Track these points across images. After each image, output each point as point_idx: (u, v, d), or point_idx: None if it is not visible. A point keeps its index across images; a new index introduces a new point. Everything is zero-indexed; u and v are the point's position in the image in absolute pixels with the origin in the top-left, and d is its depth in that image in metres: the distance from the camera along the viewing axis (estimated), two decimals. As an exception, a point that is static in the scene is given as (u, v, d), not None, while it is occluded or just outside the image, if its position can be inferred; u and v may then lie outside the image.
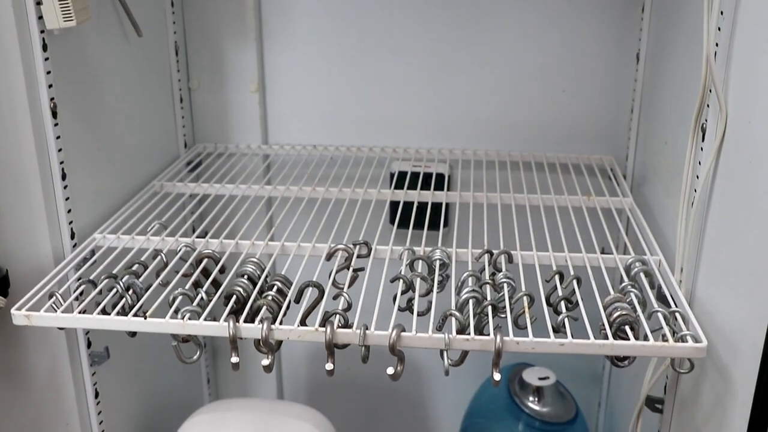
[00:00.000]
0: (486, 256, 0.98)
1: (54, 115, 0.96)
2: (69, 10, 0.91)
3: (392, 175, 1.34)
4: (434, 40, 1.36)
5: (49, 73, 0.94)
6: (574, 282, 0.91)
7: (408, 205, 1.18)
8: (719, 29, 0.82)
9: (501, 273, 0.92)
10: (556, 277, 0.92)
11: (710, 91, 0.84)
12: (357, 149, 1.41)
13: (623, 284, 0.90)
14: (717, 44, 0.82)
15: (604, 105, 1.36)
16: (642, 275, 0.94)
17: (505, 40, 1.35)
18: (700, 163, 0.88)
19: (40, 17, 0.91)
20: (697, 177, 0.88)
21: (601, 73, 1.35)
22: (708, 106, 0.86)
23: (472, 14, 1.34)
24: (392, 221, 1.17)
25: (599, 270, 0.97)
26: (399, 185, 1.27)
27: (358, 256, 0.99)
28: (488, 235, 1.05)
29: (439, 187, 1.27)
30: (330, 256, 0.99)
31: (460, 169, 1.33)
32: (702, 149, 0.88)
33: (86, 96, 1.06)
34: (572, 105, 1.37)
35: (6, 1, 0.88)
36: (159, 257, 1.00)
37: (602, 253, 1.02)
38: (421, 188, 1.23)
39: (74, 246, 1.02)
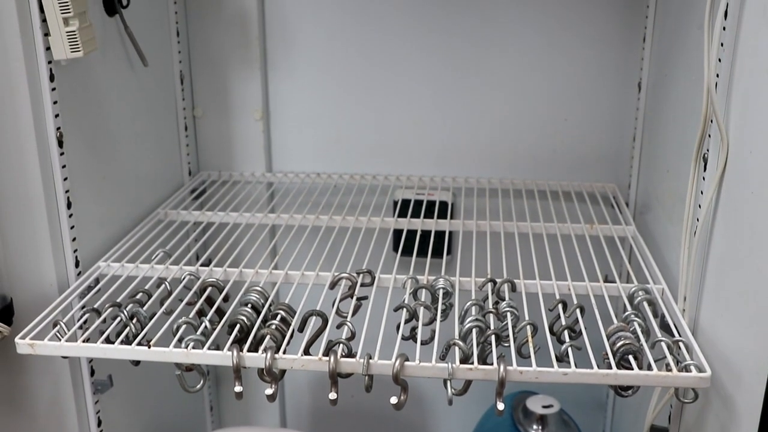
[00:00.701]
0: (489, 285, 0.99)
1: (60, 144, 0.96)
2: (76, 41, 0.92)
3: (395, 203, 1.35)
4: (437, 69, 1.37)
5: (55, 103, 0.95)
6: (578, 311, 0.91)
7: (411, 232, 1.18)
8: (720, 60, 0.83)
9: (504, 302, 0.93)
10: (560, 306, 0.92)
11: (711, 121, 0.84)
12: (360, 177, 1.41)
13: (626, 313, 0.90)
14: (717, 75, 0.83)
15: (607, 133, 1.37)
16: (645, 304, 0.94)
17: (508, 70, 1.36)
18: (702, 192, 0.88)
19: (48, 48, 0.92)
20: (700, 206, 0.89)
21: (603, 101, 1.36)
22: (709, 136, 0.86)
23: (476, 43, 1.36)
24: (395, 249, 1.17)
25: (602, 298, 0.97)
26: (402, 213, 1.28)
27: (362, 285, 1.00)
28: (491, 264, 1.06)
29: (442, 214, 1.27)
30: (333, 285, 1.00)
31: (463, 196, 1.33)
32: (704, 179, 0.88)
33: (92, 125, 1.07)
34: (575, 133, 1.38)
35: (14, 32, 0.89)
36: (163, 285, 1.00)
37: (605, 280, 1.02)
38: (425, 216, 1.23)
39: (78, 274, 1.02)
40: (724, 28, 0.82)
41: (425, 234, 1.18)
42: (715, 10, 0.82)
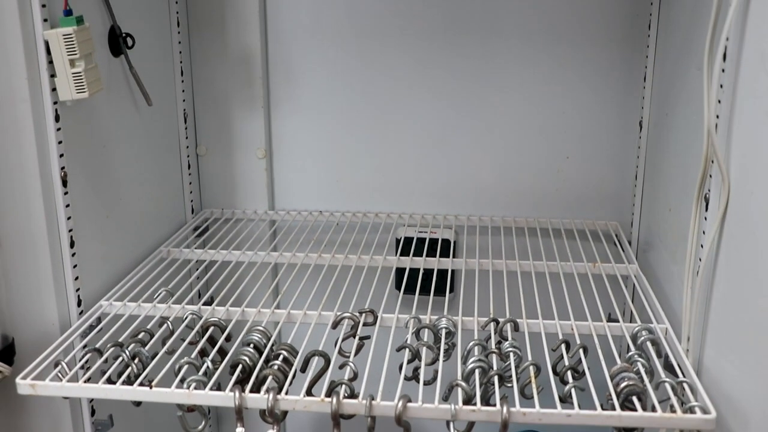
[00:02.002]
0: (492, 325, 0.98)
1: (64, 183, 0.97)
2: (82, 82, 0.93)
3: (398, 241, 1.35)
4: (439, 108, 1.38)
5: (60, 143, 0.95)
6: (581, 351, 0.91)
7: (414, 271, 1.18)
8: (719, 102, 0.83)
9: (507, 342, 0.92)
10: (563, 346, 0.92)
11: (712, 161, 0.85)
12: (363, 215, 1.42)
13: (630, 353, 0.90)
14: (718, 116, 0.84)
15: (608, 171, 1.37)
16: (649, 344, 0.93)
17: (510, 109, 1.37)
18: (704, 232, 0.89)
19: (54, 89, 0.93)
20: (702, 246, 0.89)
21: (604, 139, 1.36)
22: (710, 176, 0.86)
23: (477, 82, 1.37)
24: (398, 287, 1.17)
25: (605, 338, 0.97)
26: (405, 251, 1.28)
27: (364, 324, 0.99)
28: (494, 302, 1.05)
29: (444, 252, 1.27)
30: (336, 325, 0.99)
31: (465, 234, 1.33)
32: (706, 218, 0.88)
33: (96, 164, 1.07)
34: (577, 171, 1.38)
35: (21, 73, 0.90)
36: (165, 325, 1.00)
37: (608, 319, 1.02)
38: (427, 254, 1.23)
39: (81, 313, 1.02)
40: (723, 70, 0.82)
41: (428, 272, 1.18)
42: (714, 52, 0.83)
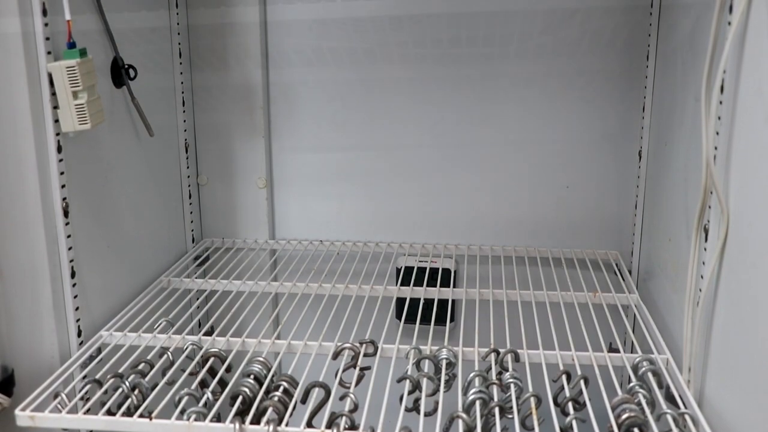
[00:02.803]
0: (493, 355, 0.98)
1: (66, 214, 0.97)
2: (84, 113, 0.94)
3: (398, 270, 1.35)
4: (439, 138, 1.39)
5: (62, 174, 0.96)
6: (582, 382, 0.91)
7: (415, 300, 1.18)
8: (717, 133, 0.84)
9: (508, 373, 0.92)
10: (564, 377, 0.92)
11: (711, 192, 0.85)
12: (363, 244, 1.42)
13: (631, 384, 0.89)
14: (716, 147, 0.84)
15: (608, 200, 1.38)
16: (650, 374, 0.93)
17: (510, 138, 1.38)
18: (704, 263, 0.89)
19: (56, 120, 0.94)
20: (702, 277, 0.89)
21: (604, 169, 1.37)
22: (709, 207, 0.87)
23: (477, 114, 1.38)
24: (399, 317, 1.17)
25: (606, 368, 0.97)
26: (405, 280, 1.28)
27: (365, 355, 0.99)
28: (495, 332, 1.05)
29: (445, 282, 1.27)
30: (336, 355, 0.99)
31: (466, 264, 1.34)
32: (705, 249, 0.89)
33: (97, 194, 1.08)
34: (577, 201, 1.38)
35: (24, 105, 0.91)
36: (165, 356, 0.99)
37: (609, 349, 1.02)
38: (428, 284, 1.23)
39: (81, 344, 1.02)
40: (720, 102, 0.83)
41: (428, 302, 1.18)
42: (712, 84, 0.83)
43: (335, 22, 1.36)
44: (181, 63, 1.36)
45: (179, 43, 1.35)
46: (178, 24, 1.34)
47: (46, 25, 0.91)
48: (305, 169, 1.45)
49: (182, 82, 1.36)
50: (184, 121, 1.38)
